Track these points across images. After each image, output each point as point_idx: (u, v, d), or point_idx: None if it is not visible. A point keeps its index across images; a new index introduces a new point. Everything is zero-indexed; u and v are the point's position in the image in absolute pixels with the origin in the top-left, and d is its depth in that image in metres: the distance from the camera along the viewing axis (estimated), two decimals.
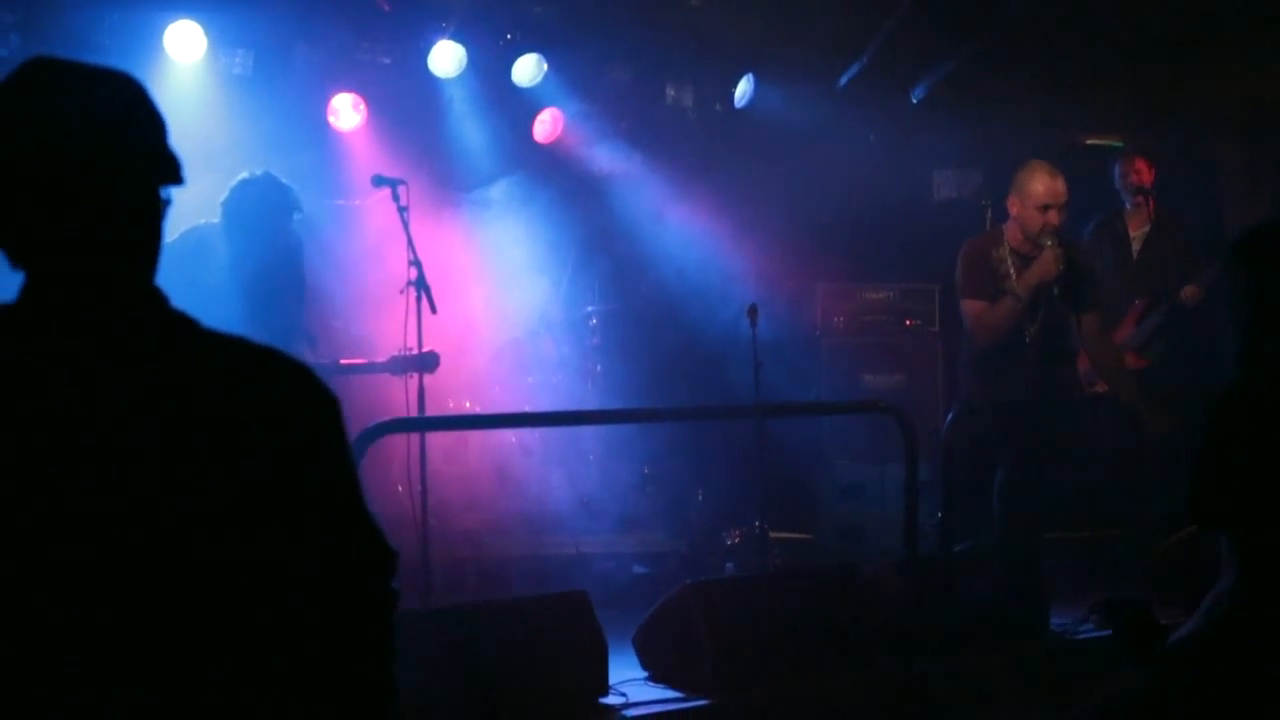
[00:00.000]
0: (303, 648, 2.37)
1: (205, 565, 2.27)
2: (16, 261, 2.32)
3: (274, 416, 2.35)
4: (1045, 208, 7.68)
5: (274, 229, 7.47)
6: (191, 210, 7.40)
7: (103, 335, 2.29)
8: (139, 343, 2.31)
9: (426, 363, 7.66)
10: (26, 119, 2.29)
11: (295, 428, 2.38)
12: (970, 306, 7.92)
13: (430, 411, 7.80)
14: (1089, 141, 11.60)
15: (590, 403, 9.49)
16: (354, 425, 2.49)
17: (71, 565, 2.20)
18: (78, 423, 2.22)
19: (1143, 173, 9.62)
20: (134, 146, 2.36)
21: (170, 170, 2.41)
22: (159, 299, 2.38)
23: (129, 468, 2.23)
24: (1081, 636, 7.41)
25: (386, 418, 6.94)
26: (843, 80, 10.68)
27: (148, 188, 2.38)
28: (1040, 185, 7.70)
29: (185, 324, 2.38)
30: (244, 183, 7.43)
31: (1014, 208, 7.86)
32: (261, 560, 2.32)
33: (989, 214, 9.54)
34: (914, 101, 10.94)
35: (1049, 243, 7.64)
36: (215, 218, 7.42)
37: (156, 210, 2.40)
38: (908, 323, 10.68)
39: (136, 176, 2.36)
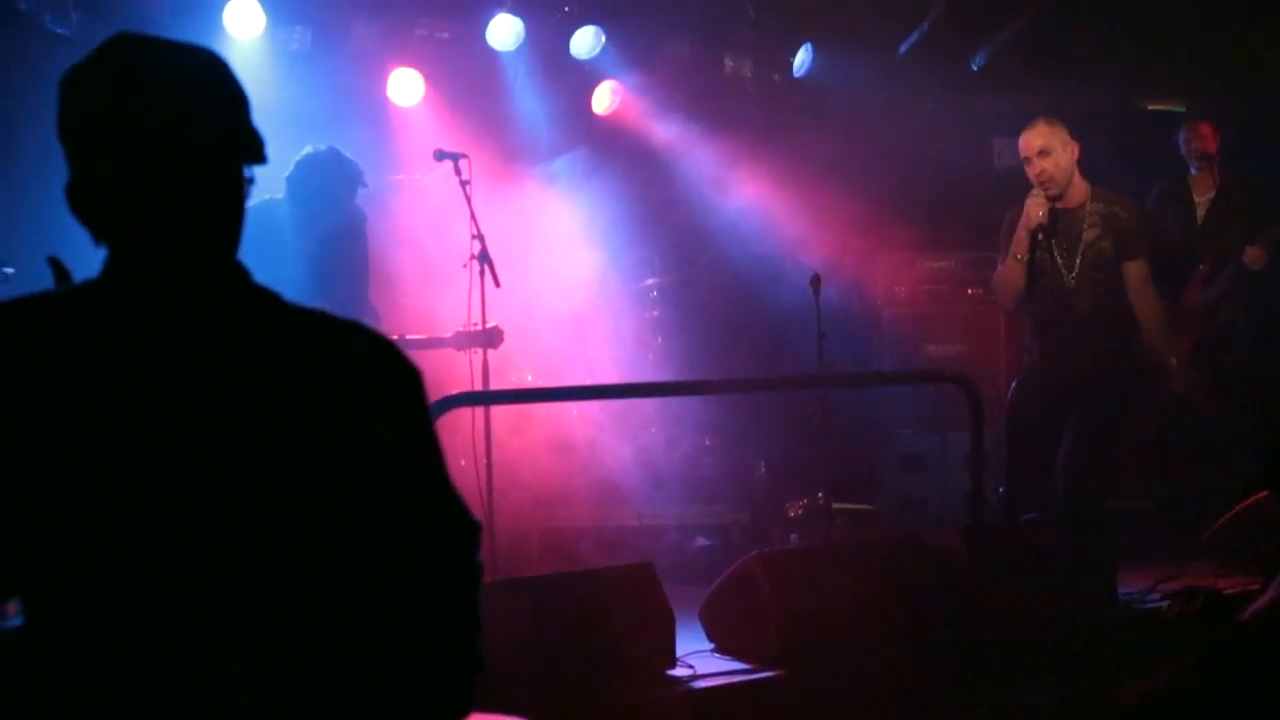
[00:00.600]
0: (390, 622, 2.37)
1: (293, 541, 2.28)
2: (100, 238, 2.32)
3: (359, 391, 2.35)
4: (1027, 161, 7.96)
5: (338, 203, 7.51)
6: (263, 189, 7.41)
7: (186, 312, 2.29)
8: (223, 319, 2.32)
9: (490, 338, 7.69)
10: (110, 96, 2.29)
11: (380, 402, 2.38)
12: (995, 274, 8.15)
13: (493, 384, 7.82)
14: (1151, 106, 11.50)
15: (651, 374, 9.48)
16: None
17: (160, 545, 2.21)
18: (163, 401, 2.23)
19: (1207, 138, 9.50)
20: (218, 123, 2.36)
21: (254, 148, 2.41)
22: (243, 275, 2.39)
23: (215, 445, 2.24)
24: (1148, 605, 7.36)
25: (450, 391, 6.98)
26: (902, 48, 10.65)
27: (232, 165, 2.38)
28: (1020, 140, 7.98)
29: (269, 299, 2.39)
30: (308, 157, 7.46)
31: None
32: (348, 535, 2.33)
33: None
34: (974, 69, 10.88)
35: (1034, 191, 7.90)
36: (278, 193, 7.45)
37: (239, 188, 2.40)
38: (969, 291, 10.61)
39: (220, 153, 2.36)
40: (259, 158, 2.41)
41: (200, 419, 2.24)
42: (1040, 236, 7.88)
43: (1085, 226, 7.88)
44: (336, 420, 2.31)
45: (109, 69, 2.31)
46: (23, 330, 2.26)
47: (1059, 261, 7.91)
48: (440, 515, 2.45)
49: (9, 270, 6.33)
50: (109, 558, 2.20)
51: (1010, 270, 7.99)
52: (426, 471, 2.44)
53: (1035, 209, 7.84)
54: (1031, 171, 7.89)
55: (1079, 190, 7.95)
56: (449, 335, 7.76)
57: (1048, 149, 7.85)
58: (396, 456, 2.38)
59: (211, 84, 2.37)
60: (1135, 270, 7.90)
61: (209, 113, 2.34)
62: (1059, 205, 7.91)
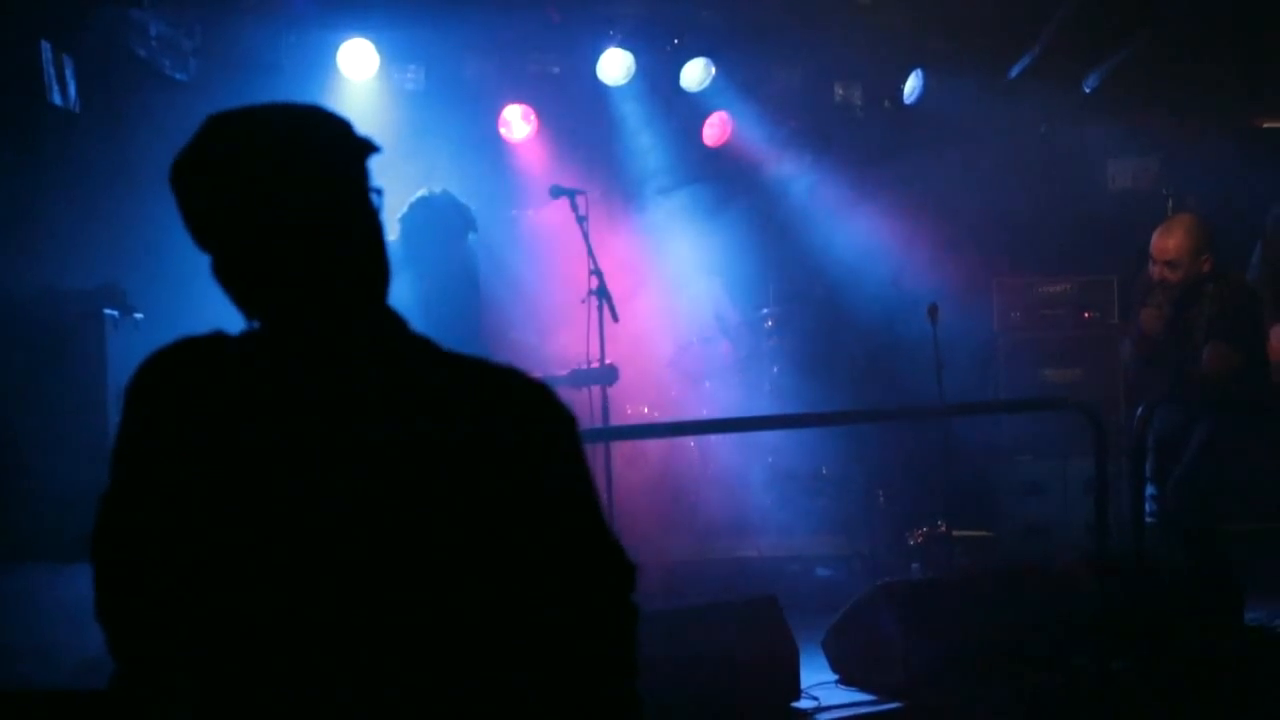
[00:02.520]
0: (549, 665, 2.38)
1: (453, 585, 2.29)
2: (251, 315, 2.36)
3: (517, 435, 2.36)
4: (1153, 261, 7.69)
5: (451, 246, 7.55)
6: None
7: (346, 361, 2.33)
8: (381, 367, 2.34)
9: (606, 376, 7.71)
10: (220, 180, 2.32)
11: (538, 447, 2.38)
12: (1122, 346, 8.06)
13: (611, 417, 7.85)
14: (1266, 125, 11.36)
15: (768, 404, 9.46)
16: None
17: (320, 590, 2.25)
18: (326, 448, 2.26)
19: None
20: (332, 171, 2.37)
21: (365, 152, 2.41)
22: (397, 322, 2.41)
23: (378, 492, 2.26)
24: (1278, 630, 7.27)
25: None
26: (1013, 72, 10.58)
27: (359, 205, 2.39)
28: (1155, 238, 7.66)
29: (425, 346, 2.41)
30: (422, 200, 7.52)
31: None
32: (508, 579, 2.34)
33: (1170, 204, 9.36)
34: (1086, 91, 10.80)
35: (1149, 303, 7.71)
36: (391, 234, 7.52)
37: (373, 225, 2.41)
38: (1086, 315, 10.51)
39: (344, 198, 2.37)
40: (373, 149, 2.41)
41: (363, 465, 2.26)
42: (1144, 350, 7.76)
43: (1205, 303, 7.71)
44: (495, 465, 2.32)
45: (211, 153, 2.34)
46: (194, 371, 2.31)
47: (1180, 342, 7.77)
48: (597, 558, 2.45)
49: (139, 316, 6.45)
50: (271, 599, 2.24)
51: (1134, 352, 7.91)
52: (583, 514, 2.44)
53: (1150, 325, 7.68)
54: (1155, 272, 7.70)
55: (1202, 275, 7.76)
56: (565, 374, 7.79)
57: (1178, 264, 7.61)
58: (554, 500, 2.39)
59: (314, 134, 2.38)
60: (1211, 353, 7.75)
61: (322, 163, 2.36)
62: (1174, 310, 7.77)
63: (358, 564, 2.25)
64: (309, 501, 2.24)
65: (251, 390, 2.28)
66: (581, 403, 7.72)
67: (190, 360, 2.32)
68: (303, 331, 2.33)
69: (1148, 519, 7.78)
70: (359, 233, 2.39)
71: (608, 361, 7.74)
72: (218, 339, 2.35)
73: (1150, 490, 7.89)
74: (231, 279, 2.34)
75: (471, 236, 7.63)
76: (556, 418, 2.44)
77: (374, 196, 2.41)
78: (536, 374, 6.98)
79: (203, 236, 2.34)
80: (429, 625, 2.28)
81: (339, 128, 2.40)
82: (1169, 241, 7.62)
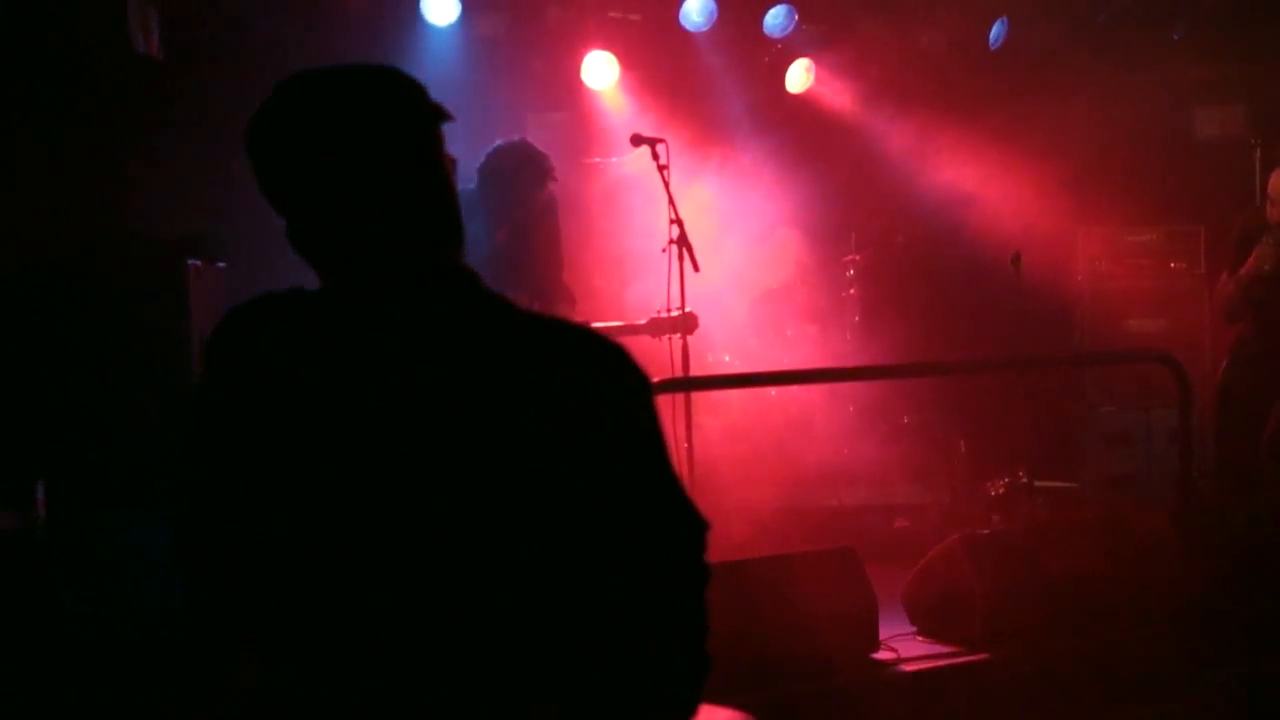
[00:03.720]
0: (619, 623, 2.39)
1: (525, 543, 2.31)
2: (328, 275, 2.39)
3: (591, 398, 2.37)
4: (1272, 203, 7.75)
5: (529, 195, 7.57)
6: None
7: (421, 320, 2.34)
8: (456, 325, 2.35)
9: (686, 324, 7.71)
10: (296, 139, 2.36)
11: (612, 409, 2.39)
12: (1221, 279, 7.93)
13: (692, 366, 7.84)
14: None
15: (850, 353, 9.43)
16: None
17: (390, 545, 2.26)
18: (402, 405, 2.28)
19: None
20: (406, 132, 2.40)
21: (438, 117, 2.44)
22: (473, 281, 2.43)
23: (453, 449, 2.28)
24: None
25: (650, 369, 7.02)
26: (1101, 18, 10.46)
27: (433, 165, 2.42)
28: (1274, 179, 7.62)
29: (500, 305, 2.42)
30: (499, 149, 7.54)
31: None
32: (582, 539, 2.35)
33: (1258, 153, 9.22)
34: (1175, 38, 10.66)
35: (1267, 239, 7.61)
36: (470, 182, 7.55)
37: (447, 185, 2.44)
38: (1172, 265, 10.40)
39: (417, 159, 2.40)
40: (446, 117, 2.45)
41: (438, 426, 2.28)
42: (1256, 291, 7.68)
43: None
44: (569, 423, 2.33)
45: (284, 117, 2.38)
46: (272, 328, 2.34)
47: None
48: (670, 516, 2.46)
49: (222, 265, 6.49)
50: (345, 559, 2.26)
51: (1235, 299, 7.82)
52: (656, 473, 2.45)
53: (1265, 260, 7.63)
54: (1273, 215, 7.65)
55: None
56: (643, 322, 7.79)
57: None
58: (627, 458, 2.39)
59: (386, 97, 2.41)
60: None
61: (395, 126, 2.38)
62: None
63: (434, 526, 2.27)
64: (385, 463, 2.26)
65: (328, 349, 2.30)
66: (662, 351, 7.72)
67: (268, 318, 2.35)
68: (377, 291, 2.34)
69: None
70: (431, 195, 2.41)
71: (687, 309, 7.73)
72: (296, 296, 2.37)
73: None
74: (306, 241, 2.37)
75: (550, 186, 7.64)
76: (632, 378, 2.45)
77: (449, 164, 2.43)
78: (616, 322, 7.06)
79: (277, 199, 2.37)
80: (508, 585, 2.29)
81: (413, 91, 2.43)
82: None
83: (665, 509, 2.45)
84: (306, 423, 2.27)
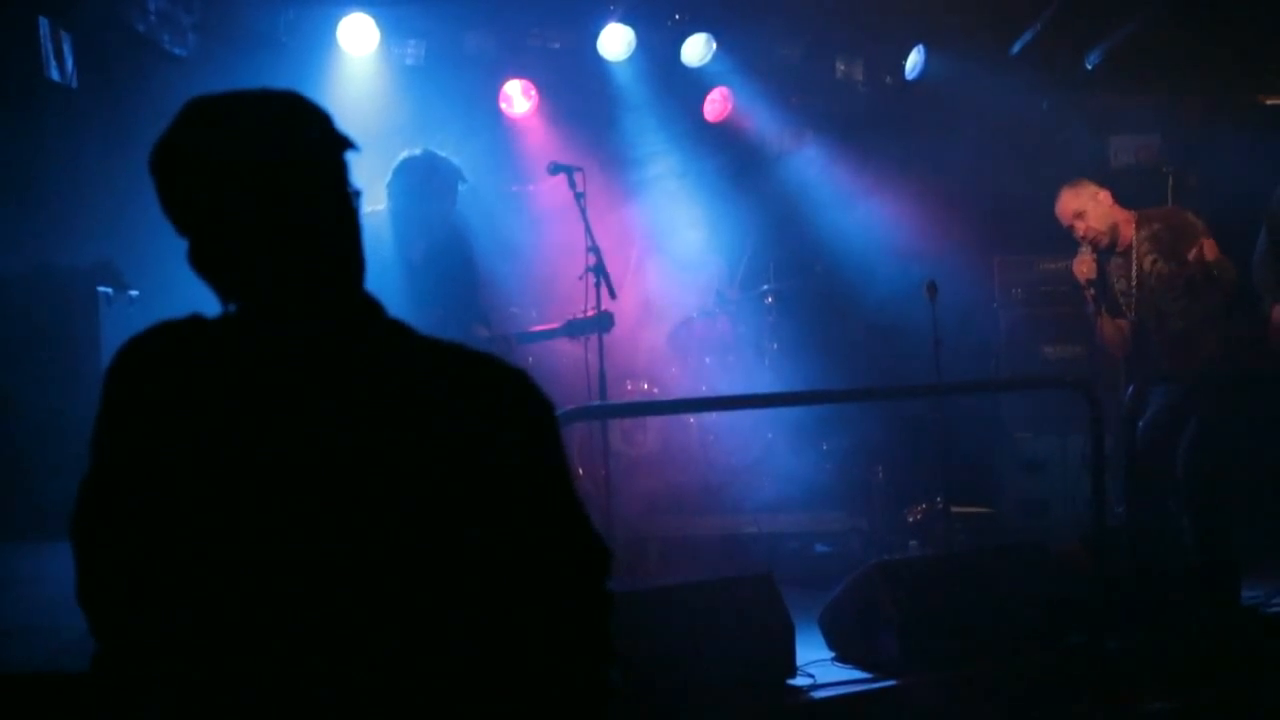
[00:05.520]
0: (523, 652, 2.38)
1: (425, 570, 2.30)
2: (228, 298, 2.37)
3: (493, 425, 2.37)
4: (1072, 230, 8.22)
5: (438, 203, 7.53)
6: (368, 200, 7.52)
7: (319, 349, 2.33)
8: (356, 354, 2.35)
9: (602, 323, 7.69)
10: (200, 163, 2.33)
11: (513, 435, 2.39)
12: None
13: (611, 393, 7.84)
14: (1269, 101, 11.33)
15: (768, 381, 9.46)
16: None
17: (297, 575, 2.25)
18: (298, 435, 2.26)
19: None
20: (311, 156, 2.38)
21: (342, 146, 2.43)
22: (374, 308, 2.42)
23: (350, 478, 2.27)
24: (1274, 610, 7.26)
25: (567, 397, 7.04)
26: (1015, 48, 10.55)
27: (335, 190, 2.41)
28: (1058, 203, 8.26)
29: (402, 332, 2.42)
30: (405, 161, 7.52)
31: None
32: (483, 566, 2.34)
33: (1171, 180, 9.32)
34: (1088, 67, 10.77)
35: (1083, 251, 8.14)
36: (380, 204, 7.53)
37: (350, 212, 2.43)
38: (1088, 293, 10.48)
39: (321, 183, 2.39)
40: (349, 146, 2.43)
41: (335, 453, 2.27)
42: (1094, 290, 8.03)
43: (1136, 258, 7.94)
44: (470, 451, 2.33)
45: (188, 140, 2.35)
46: (170, 355, 2.32)
47: (1127, 311, 7.97)
48: (571, 542, 2.46)
49: (134, 293, 6.45)
50: (249, 583, 2.25)
51: (1102, 330, 8.13)
52: (558, 499, 2.45)
53: (1081, 269, 8.14)
54: (1077, 236, 8.15)
55: (1125, 228, 8.02)
56: (560, 325, 7.80)
57: (1080, 211, 8.15)
58: (529, 486, 2.39)
59: (292, 122, 2.39)
60: (1195, 257, 7.84)
61: (299, 151, 2.37)
62: (1112, 251, 8.02)
63: (334, 550, 2.25)
64: (284, 487, 2.25)
65: (226, 375, 2.29)
66: (581, 377, 7.71)
67: (166, 345, 2.33)
68: (277, 317, 2.33)
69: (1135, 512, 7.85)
70: (334, 222, 2.40)
71: (604, 310, 7.73)
72: (194, 322, 2.36)
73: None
74: (206, 265, 2.36)
75: (462, 187, 7.61)
76: (533, 405, 2.45)
77: (351, 195, 2.42)
78: (535, 327, 7.04)
79: (179, 221, 2.35)
80: (405, 611, 2.28)
81: (318, 117, 2.42)
82: (1061, 205, 8.25)
83: (567, 535, 2.45)
84: (204, 453, 2.25)
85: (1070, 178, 10.53)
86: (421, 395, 2.33)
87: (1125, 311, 8.08)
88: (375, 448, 2.28)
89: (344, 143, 2.43)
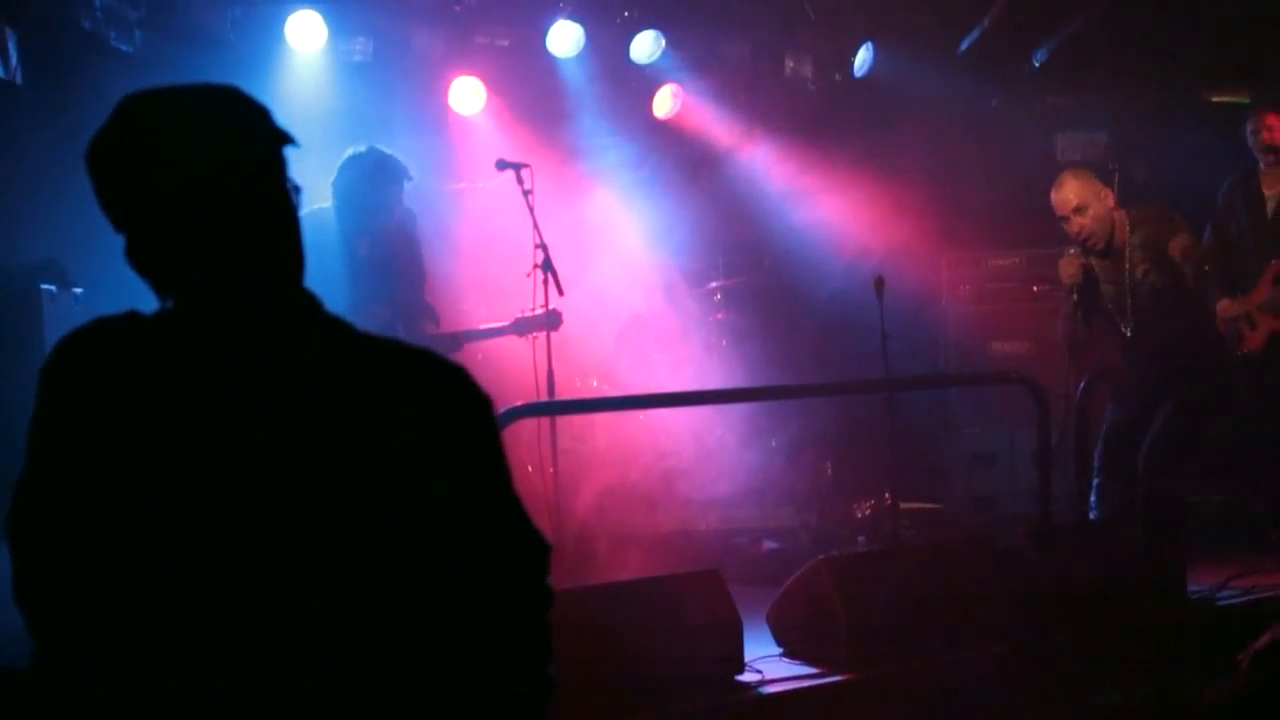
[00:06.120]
0: (460, 649, 2.38)
1: (364, 569, 2.30)
2: (165, 295, 2.36)
3: (429, 419, 2.37)
4: (1063, 220, 8.03)
5: (384, 201, 7.55)
6: (314, 198, 7.51)
7: (257, 344, 2.33)
8: (293, 350, 2.35)
9: (551, 321, 7.72)
10: (137, 159, 2.32)
11: (451, 429, 2.39)
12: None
13: (558, 390, 7.84)
14: (1215, 99, 11.40)
15: (716, 377, 9.46)
16: None
17: (228, 574, 2.24)
18: (235, 432, 2.26)
19: (1275, 129, 9.35)
20: (247, 153, 2.38)
21: (281, 141, 2.43)
22: (312, 304, 2.42)
23: (286, 474, 2.26)
24: (1220, 603, 7.31)
25: (515, 394, 7.03)
26: (963, 45, 10.60)
27: (273, 188, 2.40)
28: (1052, 200, 8.08)
29: (340, 328, 2.41)
30: (350, 158, 7.53)
31: None
32: (418, 561, 2.34)
33: (1116, 177, 9.39)
34: (1035, 65, 10.82)
35: (1072, 251, 8.00)
36: (327, 201, 7.53)
37: (289, 209, 2.42)
38: (1035, 289, 10.54)
39: (258, 180, 2.38)
40: (288, 140, 2.43)
41: (272, 448, 2.26)
42: (1077, 296, 7.88)
43: (1129, 266, 7.89)
44: (407, 447, 2.33)
45: (124, 135, 2.35)
46: (106, 352, 2.31)
47: (1115, 316, 7.94)
48: (510, 540, 2.46)
49: (78, 291, 6.41)
50: (185, 580, 2.24)
51: (1060, 329, 8.08)
52: (495, 495, 2.45)
53: (1067, 271, 7.94)
54: (1070, 229, 7.90)
55: (1120, 232, 7.96)
56: (509, 323, 7.81)
57: (1083, 205, 7.96)
58: (466, 482, 2.40)
59: (230, 117, 2.39)
60: (1176, 251, 7.89)
61: (236, 145, 2.36)
62: (1103, 253, 7.91)
63: (271, 547, 2.25)
64: (220, 484, 2.24)
65: (161, 372, 2.28)
66: (529, 375, 7.71)
67: (102, 342, 2.32)
68: (212, 314, 2.32)
69: (1091, 513, 7.90)
70: (271, 217, 2.39)
71: (552, 308, 7.75)
72: (131, 319, 2.35)
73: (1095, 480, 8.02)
74: (142, 261, 2.35)
75: (407, 185, 7.62)
76: (470, 401, 2.45)
77: (291, 190, 2.42)
78: (483, 325, 7.06)
79: (115, 217, 2.35)
80: (343, 609, 2.28)
81: (256, 112, 2.41)
82: (1065, 191, 8.03)
83: (504, 531, 2.45)
84: (140, 450, 2.25)
85: (1018, 175, 10.64)
86: (358, 392, 2.33)
87: (1113, 316, 8.03)
88: (311, 445, 2.27)
89: (283, 138, 2.42)
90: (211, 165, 2.32)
